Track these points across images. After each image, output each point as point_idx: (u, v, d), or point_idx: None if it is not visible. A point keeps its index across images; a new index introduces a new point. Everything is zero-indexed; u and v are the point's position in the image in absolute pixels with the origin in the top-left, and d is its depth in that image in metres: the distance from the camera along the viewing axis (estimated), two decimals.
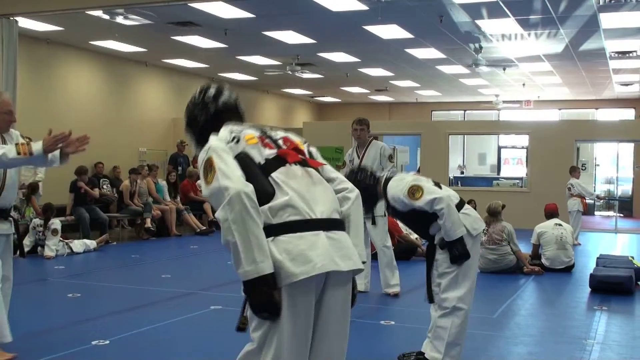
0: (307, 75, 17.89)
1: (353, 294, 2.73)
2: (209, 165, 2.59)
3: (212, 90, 3.06)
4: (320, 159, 2.89)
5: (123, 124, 16.39)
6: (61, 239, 10.67)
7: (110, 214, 13.85)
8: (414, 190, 4.53)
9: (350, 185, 2.85)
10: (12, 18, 9.88)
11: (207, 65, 17.57)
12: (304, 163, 2.75)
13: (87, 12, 11.18)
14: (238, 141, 2.72)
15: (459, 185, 20.12)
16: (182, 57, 16.55)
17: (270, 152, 2.71)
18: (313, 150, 2.91)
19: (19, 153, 4.38)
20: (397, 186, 4.63)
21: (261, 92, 22.67)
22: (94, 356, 5.14)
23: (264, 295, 2.44)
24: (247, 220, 2.45)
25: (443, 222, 4.51)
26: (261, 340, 2.54)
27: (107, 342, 5.44)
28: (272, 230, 2.51)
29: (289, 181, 2.62)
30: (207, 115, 3.01)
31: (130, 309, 6.92)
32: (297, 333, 2.51)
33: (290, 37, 13.81)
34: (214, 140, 2.71)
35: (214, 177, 2.54)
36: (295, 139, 2.87)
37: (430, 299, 4.73)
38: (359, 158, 7.75)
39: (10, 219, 4.86)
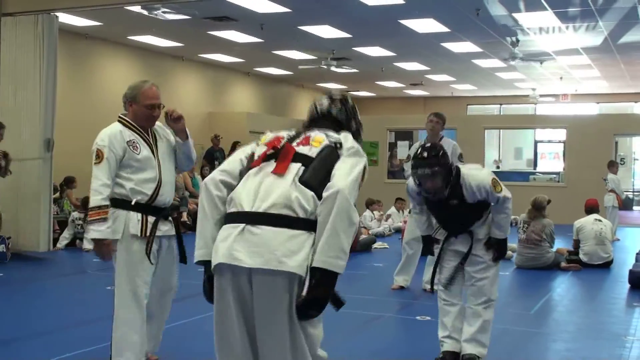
0: (343, 69, 17.88)
1: (303, 296, 2.54)
2: None
3: (318, 100, 3.23)
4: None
5: (160, 118, 16.51)
6: None
7: None
8: (495, 183, 4.59)
9: (332, 184, 2.60)
10: (52, 14, 10.01)
11: (242, 60, 17.65)
12: (273, 159, 2.78)
13: (125, 7, 11.30)
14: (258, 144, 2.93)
15: None
16: (218, 51, 16.65)
17: (262, 150, 2.85)
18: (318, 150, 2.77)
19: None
20: (480, 175, 4.62)
21: (296, 87, 22.72)
22: None
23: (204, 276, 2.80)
24: (201, 210, 2.80)
25: (504, 220, 4.64)
26: None
27: None
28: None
29: (246, 179, 2.75)
30: (307, 119, 3.18)
31: None
32: (218, 312, 2.71)
33: (325, 31, 13.81)
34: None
35: None
36: (316, 136, 2.85)
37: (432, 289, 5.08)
38: None
39: (171, 219, 4.42)
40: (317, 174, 2.67)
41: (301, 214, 2.59)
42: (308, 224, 2.59)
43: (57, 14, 10.14)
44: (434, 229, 4.90)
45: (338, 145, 2.76)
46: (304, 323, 2.59)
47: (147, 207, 4.25)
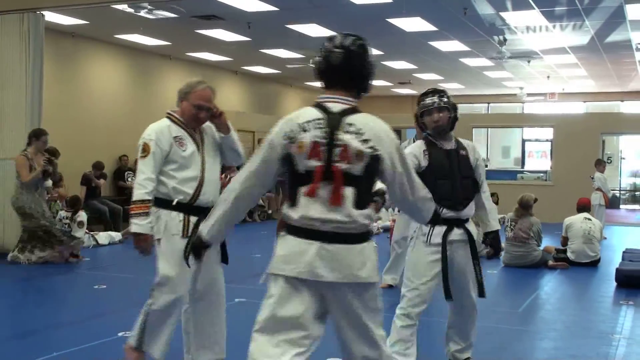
0: None
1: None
2: None
3: (328, 42, 3.06)
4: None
5: (147, 117, 16.19)
6: (87, 231, 10.76)
7: None
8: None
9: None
10: (38, 12, 9.95)
11: (230, 59, 17.60)
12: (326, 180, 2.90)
13: (112, 5, 11.24)
14: (292, 142, 2.94)
15: None
16: (206, 50, 16.59)
17: (310, 165, 2.91)
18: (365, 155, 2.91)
19: None
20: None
21: (284, 86, 22.68)
22: (121, 347, 5.16)
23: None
24: (230, 206, 3.11)
25: (494, 208, 4.66)
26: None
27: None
28: (287, 229, 2.98)
29: (309, 203, 2.91)
30: (317, 72, 3.10)
31: None
32: (276, 310, 2.92)
33: (313, 30, 13.78)
34: (274, 129, 3.02)
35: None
36: (356, 146, 2.90)
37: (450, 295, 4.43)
38: None
39: None
40: (368, 197, 2.98)
41: (363, 230, 2.95)
42: (367, 234, 2.99)
43: (43, 12, 10.08)
44: None
45: (378, 155, 2.93)
46: (375, 322, 3.00)
47: (189, 207, 4.18)
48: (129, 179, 14.48)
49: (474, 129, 17.87)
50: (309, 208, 2.90)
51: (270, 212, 16.78)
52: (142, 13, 11.59)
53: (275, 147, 2.97)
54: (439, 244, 4.38)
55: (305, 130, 2.92)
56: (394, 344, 4.49)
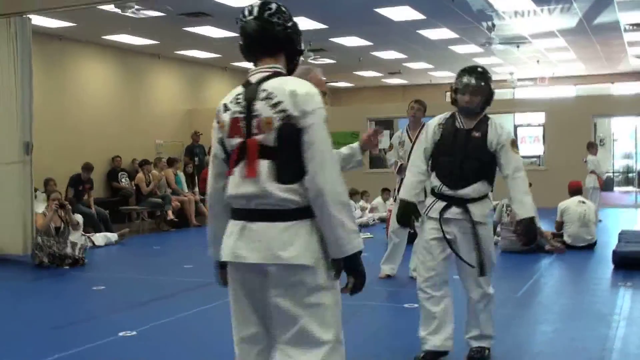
0: (320, 61, 17.84)
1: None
2: None
3: (240, 16, 2.85)
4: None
5: (139, 117, 16.43)
6: (83, 232, 10.72)
7: (129, 207, 13.95)
8: (515, 143, 4.46)
9: (312, 183, 2.56)
10: (25, 16, 9.89)
11: (219, 55, 17.57)
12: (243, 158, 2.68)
13: (98, 6, 11.19)
14: (218, 125, 2.79)
15: None
16: (195, 48, 16.56)
17: (233, 144, 2.69)
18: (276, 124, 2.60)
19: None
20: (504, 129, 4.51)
21: None
22: (122, 347, 5.18)
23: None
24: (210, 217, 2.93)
25: (525, 192, 4.36)
26: None
27: (134, 333, 5.48)
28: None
29: (234, 178, 2.69)
30: (241, 50, 2.88)
31: (155, 299, 6.96)
32: (232, 302, 2.79)
33: (301, 23, 13.68)
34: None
35: None
36: (268, 114, 2.60)
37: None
38: (410, 141, 7.58)
39: None
40: (286, 170, 2.61)
41: (291, 206, 2.60)
42: (299, 212, 2.61)
43: (30, 16, 10.02)
44: (422, 196, 4.66)
45: (289, 117, 2.59)
46: (321, 322, 2.63)
47: None
48: (123, 180, 14.44)
49: None
50: (231, 186, 2.71)
51: None
52: (129, 13, 11.54)
53: (214, 135, 2.82)
54: (436, 219, 4.45)
55: (227, 110, 2.73)
56: (419, 326, 4.57)
